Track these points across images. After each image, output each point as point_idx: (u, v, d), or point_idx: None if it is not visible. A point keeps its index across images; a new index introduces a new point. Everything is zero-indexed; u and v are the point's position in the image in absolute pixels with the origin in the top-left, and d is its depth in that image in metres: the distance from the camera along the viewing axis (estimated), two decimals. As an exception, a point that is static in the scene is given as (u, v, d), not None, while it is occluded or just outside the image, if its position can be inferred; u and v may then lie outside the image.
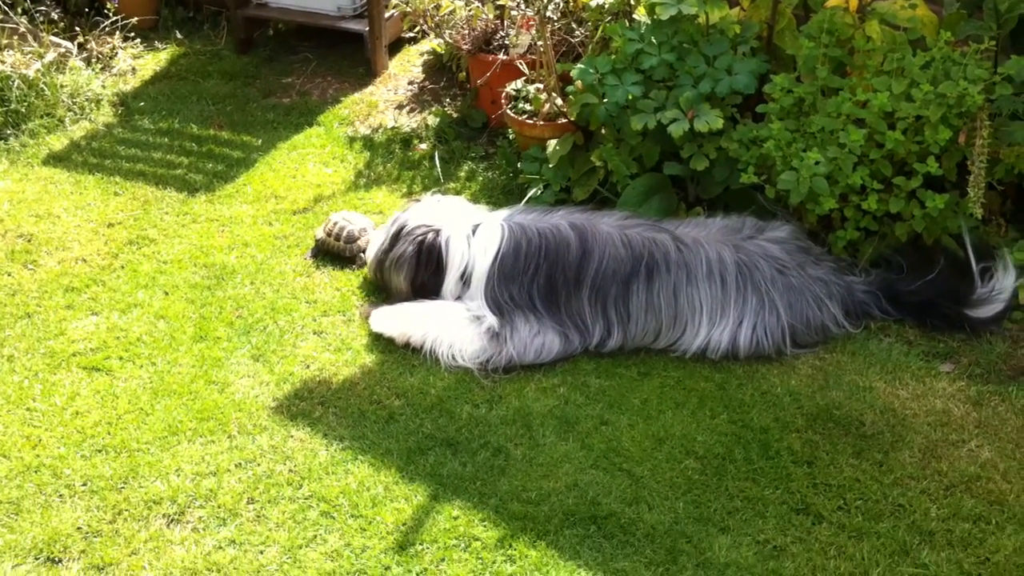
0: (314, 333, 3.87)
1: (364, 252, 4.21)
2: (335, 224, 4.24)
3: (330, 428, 3.42)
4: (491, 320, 3.77)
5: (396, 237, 3.99)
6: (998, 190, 4.08)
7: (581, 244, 3.80)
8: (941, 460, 3.26)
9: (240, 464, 3.30)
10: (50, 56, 5.44)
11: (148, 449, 3.36)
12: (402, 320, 3.82)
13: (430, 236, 3.94)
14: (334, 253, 4.24)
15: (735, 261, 3.79)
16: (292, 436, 3.40)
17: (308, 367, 3.70)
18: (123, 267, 4.23)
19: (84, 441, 3.40)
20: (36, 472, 3.29)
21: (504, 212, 4.04)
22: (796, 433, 3.37)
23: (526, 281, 3.80)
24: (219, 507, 3.16)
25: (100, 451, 3.36)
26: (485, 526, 3.07)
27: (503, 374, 3.67)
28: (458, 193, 4.73)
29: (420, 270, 3.93)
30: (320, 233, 4.27)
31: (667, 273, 3.77)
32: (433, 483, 3.22)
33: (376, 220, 4.47)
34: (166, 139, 5.21)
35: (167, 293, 4.08)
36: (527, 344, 3.72)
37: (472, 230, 3.93)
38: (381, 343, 3.80)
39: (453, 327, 3.76)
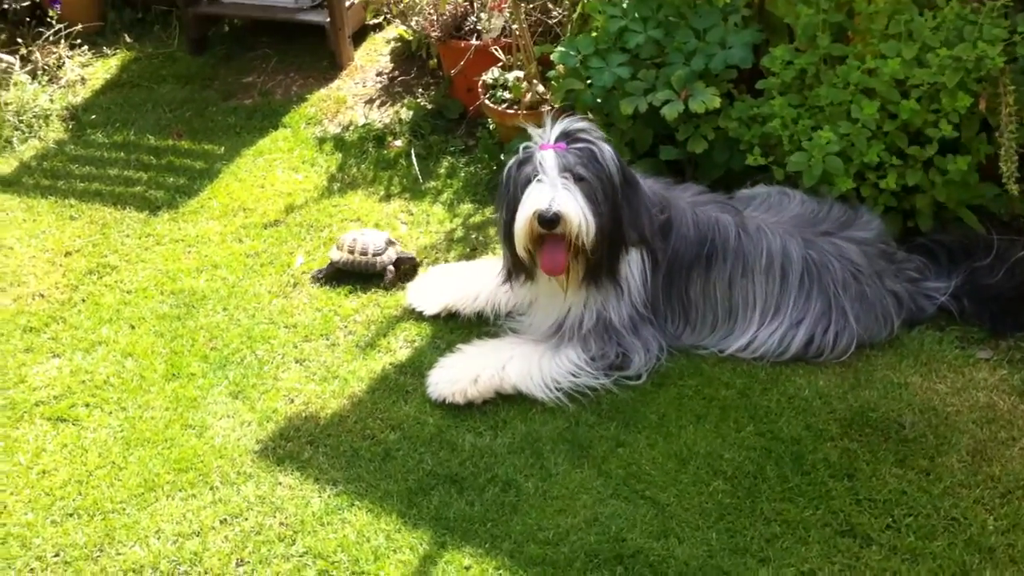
0: (296, 362, 3.56)
1: (392, 265, 3.87)
2: (354, 240, 3.86)
3: (322, 471, 3.12)
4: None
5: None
6: (1019, 153, 3.79)
7: (664, 218, 3.40)
8: (992, 463, 2.98)
9: (225, 520, 2.99)
10: (-9, 72, 5.09)
11: (123, 509, 3.05)
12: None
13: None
14: (359, 271, 3.86)
15: (802, 257, 3.41)
16: (280, 483, 3.10)
17: (292, 401, 3.39)
18: (84, 300, 3.90)
19: (53, 504, 3.08)
20: (3, 543, 2.97)
21: None
22: (831, 442, 3.09)
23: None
24: (206, 572, 2.85)
25: (71, 515, 3.05)
26: (500, 574, 2.78)
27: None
28: (439, 192, 4.42)
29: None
30: (338, 254, 3.87)
31: (724, 262, 3.41)
32: (439, 527, 2.92)
33: (353, 228, 4.15)
34: (122, 153, 4.87)
35: (133, 327, 3.76)
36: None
37: None
38: (369, 369, 3.49)
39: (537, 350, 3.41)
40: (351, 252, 3.84)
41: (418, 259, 3.98)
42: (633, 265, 3.38)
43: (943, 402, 3.19)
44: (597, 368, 3.34)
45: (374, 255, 3.83)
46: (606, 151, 3.25)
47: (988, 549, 2.73)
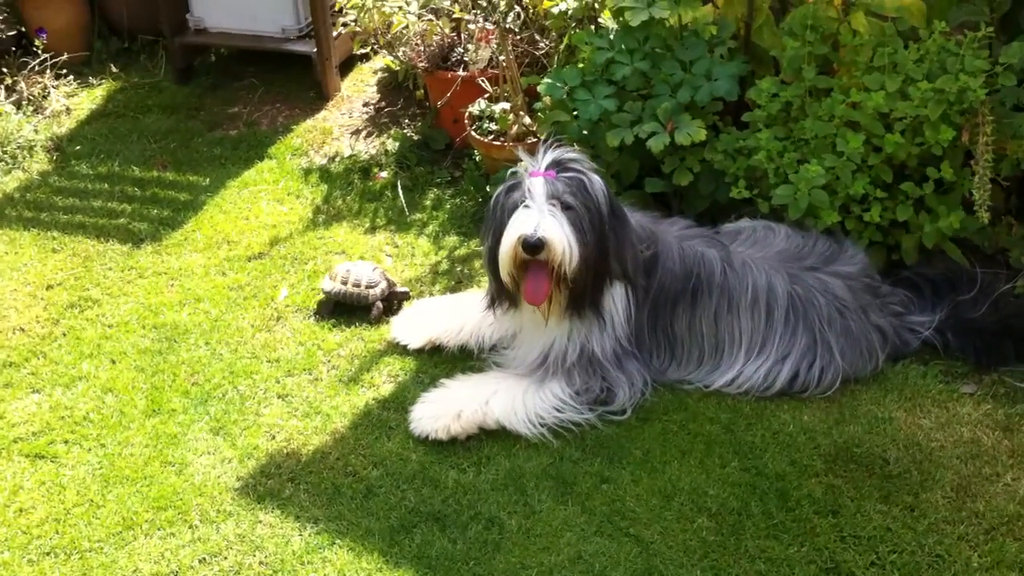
0: (278, 397, 3.53)
1: (384, 300, 3.84)
2: (347, 271, 3.82)
3: (303, 509, 3.08)
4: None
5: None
6: (1002, 186, 3.79)
7: (652, 253, 3.38)
8: (977, 499, 2.96)
9: (204, 559, 2.95)
10: (-25, 103, 5.07)
11: (101, 548, 3.00)
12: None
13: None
14: (351, 303, 3.82)
15: (787, 292, 3.40)
16: (261, 521, 3.06)
17: (274, 438, 3.36)
18: (65, 335, 3.87)
19: (30, 543, 3.04)
20: (-23, 583, 2.94)
21: None
22: (816, 478, 3.07)
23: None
24: (184, 613, 2.82)
25: (48, 554, 3.01)
26: (483, 614, 2.75)
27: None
28: (424, 224, 4.40)
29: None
30: (332, 285, 3.82)
31: (709, 298, 3.39)
32: (421, 566, 2.88)
33: (338, 260, 4.13)
34: (106, 185, 4.84)
35: (114, 361, 3.72)
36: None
37: None
38: (352, 404, 3.46)
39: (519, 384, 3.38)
40: (344, 283, 3.81)
41: (411, 293, 3.96)
42: (617, 299, 3.36)
43: (927, 437, 3.18)
44: (581, 402, 3.32)
45: (367, 287, 3.81)
46: (596, 182, 3.24)
47: (974, 587, 2.72)
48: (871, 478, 3.05)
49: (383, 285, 3.84)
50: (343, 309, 3.86)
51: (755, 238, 3.58)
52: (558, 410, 3.31)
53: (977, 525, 2.89)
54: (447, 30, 4.84)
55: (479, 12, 4.75)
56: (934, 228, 3.56)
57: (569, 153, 3.32)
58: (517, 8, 4.69)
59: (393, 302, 3.89)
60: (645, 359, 3.42)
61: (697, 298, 3.39)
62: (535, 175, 3.22)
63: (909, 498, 2.98)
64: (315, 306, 3.90)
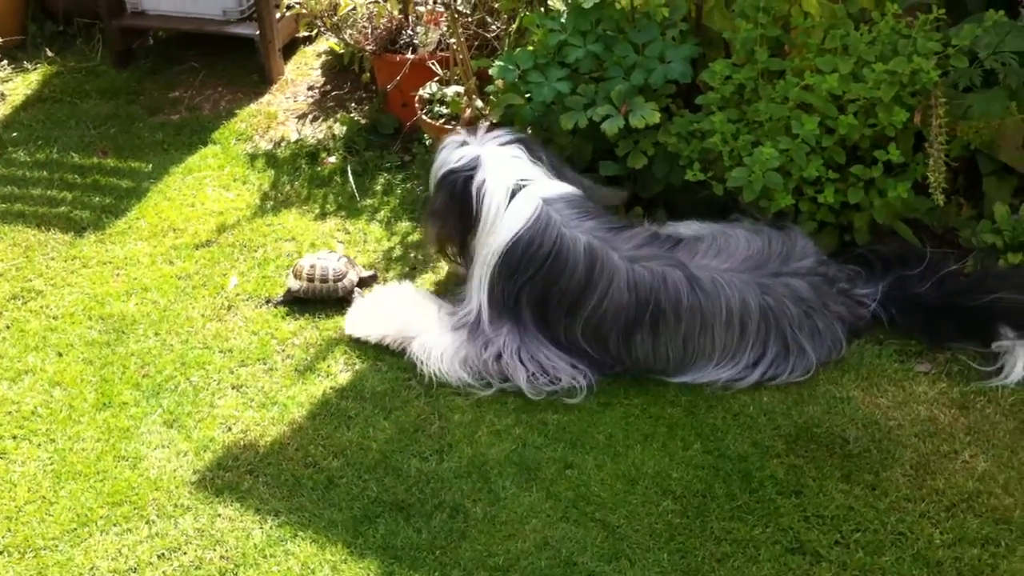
0: (232, 388, 3.46)
1: (358, 287, 3.80)
2: (312, 267, 3.73)
3: (263, 501, 3.03)
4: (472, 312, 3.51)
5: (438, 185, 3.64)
6: (951, 166, 3.83)
7: (586, 273, 3.32)
8: (936, 476, 3.00)
9: (163, 555, 2.89)
10: (-95, 88, 4.90)
11: (56, 546, 2.92)
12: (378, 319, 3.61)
13: (461, 180, 3.52)
14: (323, 297, 3.74)
15: (760, 306, 3.36)
16: (220, 515, 3.00)
17: (230, 430, 3.29)
18: (8, 327, 3.76)
19: (-20, 543, 2.96)
20: (-74, 586, 2.84)
21: (554, 186, 3.51)
22: (777, 458, 3.09)
23: (520, 281, 3.39)
24: (144, 610, 2.76)
25: (1, 553, 2.92)
26: (451, 604, 2.73)
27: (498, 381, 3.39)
28: (376, 210, 4.35)
29: (450, 220, 3.58)
30: (296, 283, 3.73)
31: (676, 322, 3.32)
32: (387, 557, 2.85)
33: (288, 247, 4.07)
34: (45, 172, 4.71)
35: (61, 354, 3.63)
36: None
37: (514, 189, 3.46)
38: (309, 393, 3.40)
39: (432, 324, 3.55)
40: (311, 280, 3.73)
41: (378, 275, 3.93)
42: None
43: (885, 416, 3.21)
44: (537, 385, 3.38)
45: (335, 280, 3.73)
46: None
47: (936, 563, 2.75)
48: (832, 458, 3.08)
49: (351, 275, 3.78)
50: (306, 304, 3.78)
51: (718, 246, 3.51)
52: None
53: (938, 502, 2.92)
54: (395, 12, 4.77)
55: (427, -7, 4.70)
56: (883, 202, 3.59)
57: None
58: (466, -11, 4.64)
59: (364, 287, 3.84)
60: (579, 355, 3.43)
61: (659, 325, 3.33)
62: None
63: (870, 477, 3.01)
64: (276, 297, 3.83)
